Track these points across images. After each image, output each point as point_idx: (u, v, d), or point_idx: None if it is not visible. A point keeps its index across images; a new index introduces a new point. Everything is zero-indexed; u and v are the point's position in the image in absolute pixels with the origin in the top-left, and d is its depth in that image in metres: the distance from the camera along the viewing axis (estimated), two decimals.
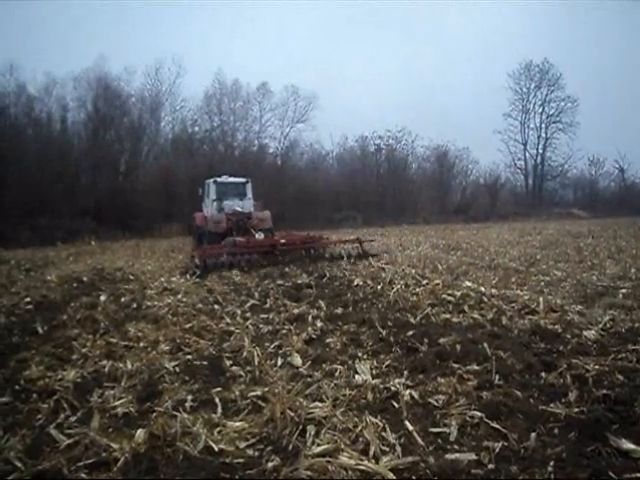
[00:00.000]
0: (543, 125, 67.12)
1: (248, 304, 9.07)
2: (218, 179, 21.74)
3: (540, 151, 66.86)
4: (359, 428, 3.85)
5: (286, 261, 14.75)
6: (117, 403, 4.68)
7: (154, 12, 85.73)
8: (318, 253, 16.36)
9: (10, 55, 47.92)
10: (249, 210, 20.41)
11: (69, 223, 32.35)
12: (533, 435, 3.66)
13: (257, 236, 17.39)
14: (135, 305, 9.34)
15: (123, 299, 9.86)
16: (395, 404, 4.34)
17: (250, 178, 22.08)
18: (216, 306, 9.04)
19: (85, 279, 12.26)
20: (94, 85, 44.23)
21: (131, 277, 12.91)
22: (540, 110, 67.25)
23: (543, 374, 4.78)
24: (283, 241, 16.06)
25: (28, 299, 9.83)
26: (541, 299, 7.69)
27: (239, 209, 20.12)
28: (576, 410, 3.98)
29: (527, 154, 67.21)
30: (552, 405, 4.11)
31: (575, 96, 64.90)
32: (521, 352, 5.42)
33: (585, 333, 5.99)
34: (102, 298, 9.82)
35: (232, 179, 22.14)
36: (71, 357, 6.25)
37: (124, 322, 7.96)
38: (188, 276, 12.84)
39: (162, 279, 12.48)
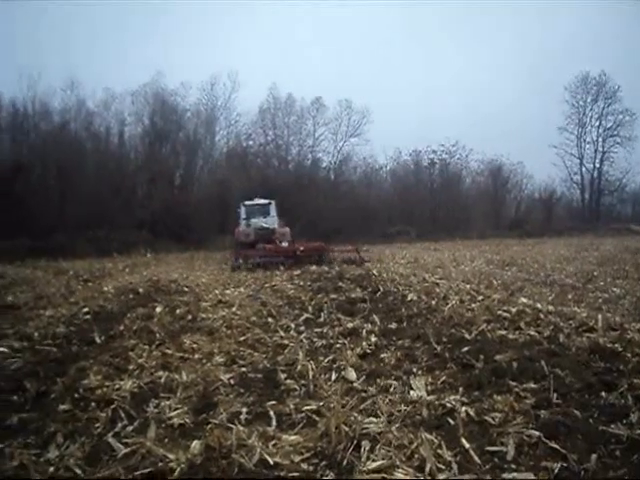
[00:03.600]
0: (600, 139, 64.57)
1: (302, 318, 9.08)
2: (247, 202, 26.98)
3: (597, 165, 64.54)
4: (414, 445, 3.80)
5: (304, 262, 18.87)
6: (173, 414, 4.74)
7: (210, 29, 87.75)
8: (327, 258, 20.24)
9: (71, 72, 49.06)
10: (273, 226, 24.78)
11: (125, 235, 32.96)
12: (594, 456, 3.56)
13: (282, 244, 22.18)
14: (190, 317, 9.42)
15: (178, 311, 9.93)
16: (451, 421, 4.29)
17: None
18: (270, 319, 9.08)
19: (141, 290, 12.41)
20: (151, 100, 45.63)
21: (186, 289, 13.00)
22: (597, 123, 64.68)
23: (603, 394, 4.61)
24: (301, 248, 20.86)
25: (86, 309, 9.96)
26: (599, 316, 7.39)
27: (265, 225, 24.65)
28: (639, 432, 3.86)
29: (583, 168, 64.96)
30: (613, 426, 3.98)
31: (634, 109, 62.73)
32: (580, 371, 5.25)
33: None
34: (158, 309, 9.91)
35: (258, 201, 27.15)
36: (128, 367, 6.33)
37: (179, 334, 8.04)
38: (242, 289, 12.99)
39: (216, 291, 12.59)
